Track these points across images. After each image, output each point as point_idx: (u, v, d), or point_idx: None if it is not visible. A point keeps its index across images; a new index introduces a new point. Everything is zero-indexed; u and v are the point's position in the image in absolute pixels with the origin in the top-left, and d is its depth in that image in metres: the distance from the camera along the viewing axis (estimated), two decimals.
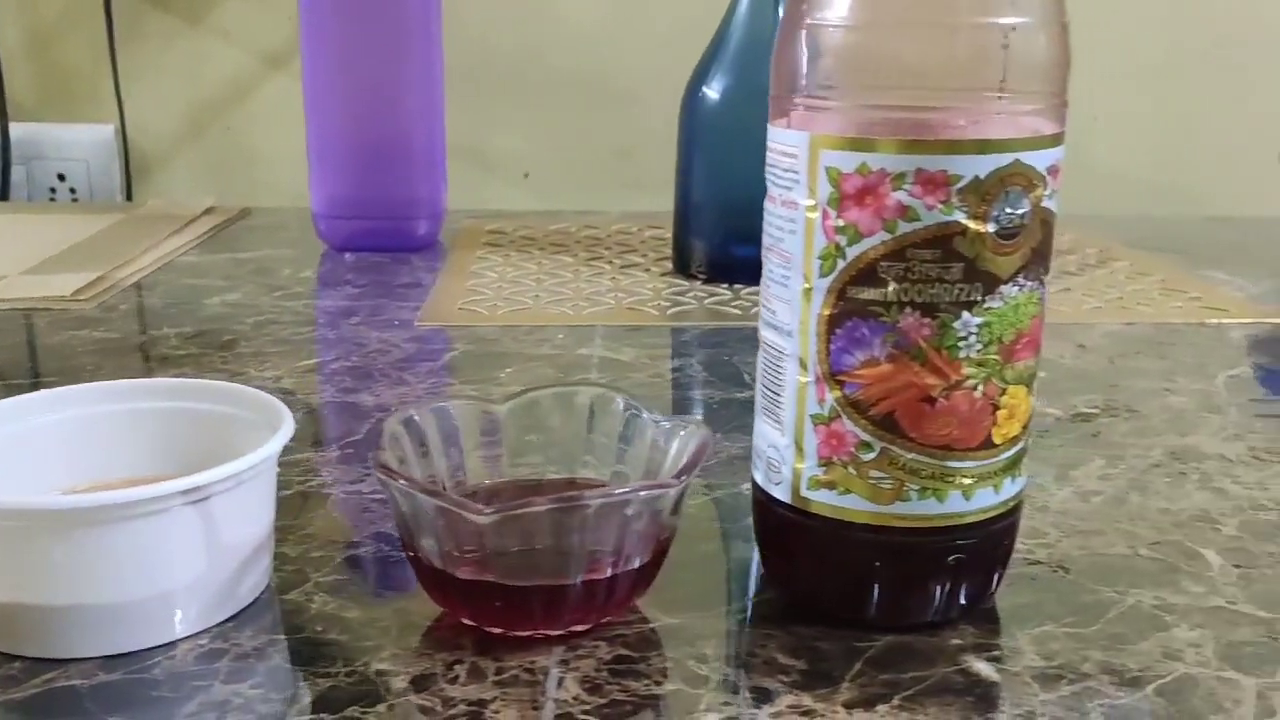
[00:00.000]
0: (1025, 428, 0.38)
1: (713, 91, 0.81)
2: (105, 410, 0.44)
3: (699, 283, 0.83)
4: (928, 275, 0.35)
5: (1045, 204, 0.36)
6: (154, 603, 0.37)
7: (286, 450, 0.40)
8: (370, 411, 0.58)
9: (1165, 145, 1.24)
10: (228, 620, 0.39)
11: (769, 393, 0.39)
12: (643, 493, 0.36)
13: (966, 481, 0.37)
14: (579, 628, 0.38)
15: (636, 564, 0.37)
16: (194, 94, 1.23)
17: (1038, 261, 0.36)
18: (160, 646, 0.37)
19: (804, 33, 0.36)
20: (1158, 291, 0.82)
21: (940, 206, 0.34)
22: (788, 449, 0.38)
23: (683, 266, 0.86)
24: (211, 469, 0.36)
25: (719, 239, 0.84)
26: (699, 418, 0.41)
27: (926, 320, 0.35)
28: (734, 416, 0.56)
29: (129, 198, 1.24)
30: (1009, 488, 0.38)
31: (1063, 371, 0.65)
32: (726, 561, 0.44)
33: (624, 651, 0.37)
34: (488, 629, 0.38)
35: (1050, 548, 0.44)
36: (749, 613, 0.40)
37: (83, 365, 0.64)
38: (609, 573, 0.37)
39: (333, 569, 0.42)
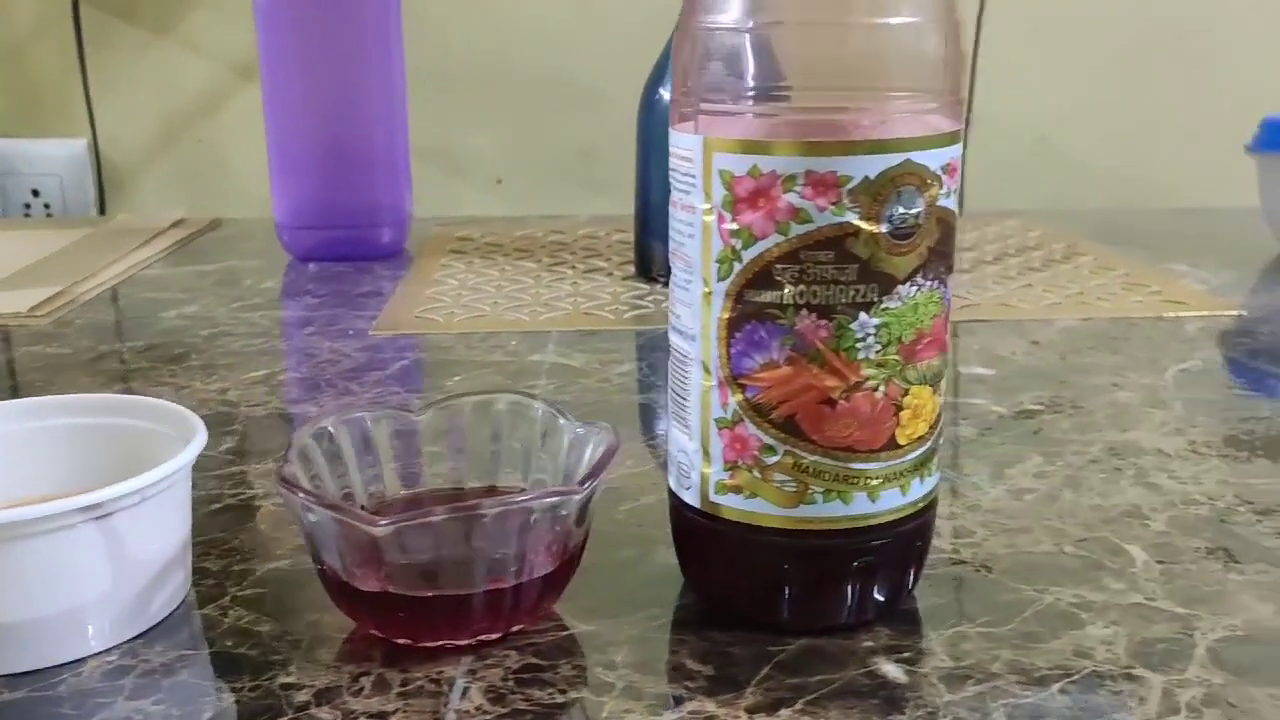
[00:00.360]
0: (933, 428, 0.38)
1: (667, 94, 0.81)
2: (21, 428, 0.44)
3: (660, 285, 0.83)
4: (823, 277, 0.35)
5: (942, 203, 0.36)
6: (60, 620, 0.37)
7: (220, 463, 0.40)
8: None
9: (1132, 138, 1.23)
10: (140, 635, 0.39)
11: (677, 397, 0.39)
12: (545, 499, 0.36)
13: (873, 482, 0.37)
14: (488, 636, 0.38)
15: (543, 572, 0.37)
16: (165, 106, 1.24)
17: (937, 261, 0.36)
18: (70, 663, 0.37)
19: (695, 36, 0.36)
20: (1119, 286, 0.82)
21: (832, 208, 0.34)
22: (696, 454, 0.38)
23: (644, 270, 0.85)
24: (114, 485, 0.36)
25: None
26: (607, 423, 0.40)
27: (824, 322, 0.35)
28: None
29: (102, 211, 1.25)
30: (918, 488, 0.38)
31: (1013, 368, 0.65)
32: (650, 566, 0.44)
33: (533, 660, 0.37)
34: (396, 640, 0.38)
35: (976, 547, 0.44)
36: (668, 618, 0.40)
37: (31, 382, 0.64)
38: (513, 581, 0.36)
39: (252, 582, 0.42)
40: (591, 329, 0.73)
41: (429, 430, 0.43)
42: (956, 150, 0.36)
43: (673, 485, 0.40)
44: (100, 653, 0.38)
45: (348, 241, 0.92)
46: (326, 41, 0.88)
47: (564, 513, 0.37)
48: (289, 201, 0.91)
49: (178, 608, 0.40)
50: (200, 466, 0.41)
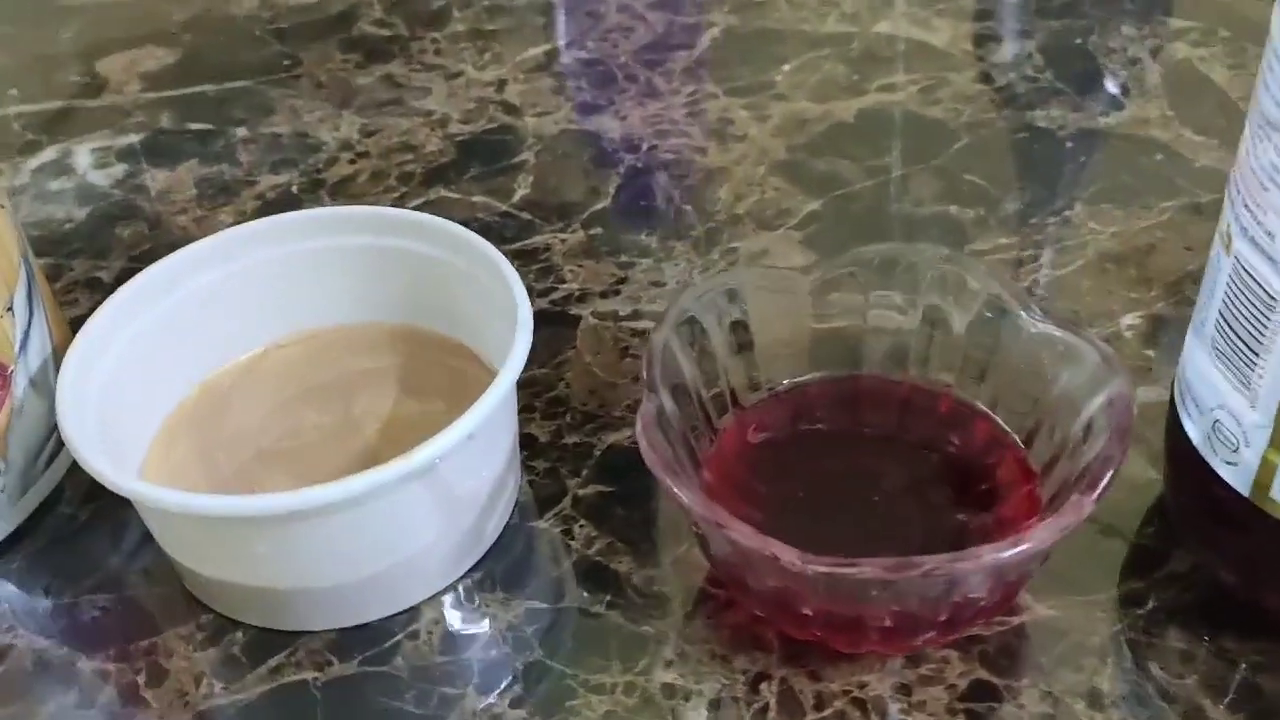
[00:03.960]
0: None
1: None
2: (302, 248, 0.34)
3: None
4: None
5: None
6: (383, 577, 0.29)
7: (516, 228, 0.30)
8: (614, 148, 0.46)
9: None
10: (475, 567, 0.31)
11: (1234, 337, 0.26)
12: (1014, 550, 0.25)
13: None
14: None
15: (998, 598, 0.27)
16: None
17: None
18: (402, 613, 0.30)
19: None
20: None
21: None
22: (1258, 429, 0.26)
23: None
24: (442, 435, 0.27)
25: None
26: (1104, 347, 0.28)
27: None
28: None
29: None
30: None
31: None
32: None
33: (983, 675, 0.28)
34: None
35: None
36: (1148, 606, 0.29)
37: (267, 45, 0.54)
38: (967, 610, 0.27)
39: (593, 470, 0.33)
40: None
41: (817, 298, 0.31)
42: None
43: (1194, 438, 0.28)
44: (430, 598, 0.31)
45: None
46: None
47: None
48: None
49: (511, 518, 0.32)
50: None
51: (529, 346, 0.29)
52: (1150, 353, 0.35)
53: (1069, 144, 0.44)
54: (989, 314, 0.30)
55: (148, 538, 0.31)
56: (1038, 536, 0.24)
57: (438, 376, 0.34)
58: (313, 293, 0.35)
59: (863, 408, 0.31)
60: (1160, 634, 0.29)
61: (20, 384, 0.32)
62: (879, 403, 0.31)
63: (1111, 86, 0.47)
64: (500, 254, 0.32)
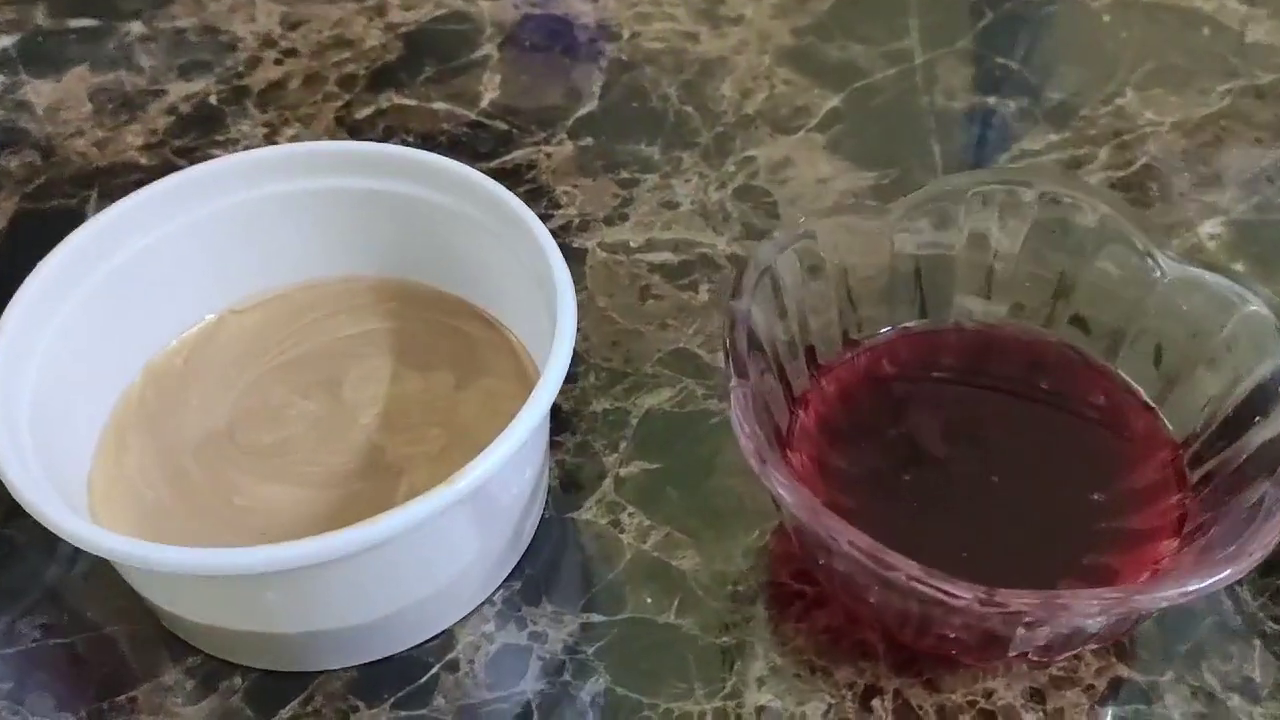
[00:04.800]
0: None
1: None
2: (296, 188, 0.28)
3: None
4: None
5: None
6: (415, 608, 0.24)
7: None
8: (590, 37, 0.39)
9: None
10: (513, 573, 0.26)
11: None
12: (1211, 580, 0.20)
13: None
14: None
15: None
16: None
17: None
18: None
19: None
20: None
21: None
22: None
23: None
24: (484, 459, 0.22)
25: None
26: (1274, 300, 0.24)
27: None
28: None
29: None
30: None
31: None
32: None
33: (1122, 671, 0.25)
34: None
35: None
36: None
37: None
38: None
39: (632, 447, 0.28)
40: None
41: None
42: None
43: None
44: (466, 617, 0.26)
45: None
46: None
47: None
48: None
49: (545, 511, 0.27)
50: None
51: (574, 331, 0.24)
52: (1239, 265, 0.32)
53: (1105, 17, 0.39)
54: (1111, 253, 0.25)
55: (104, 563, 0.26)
56: (1247, 557, 0.20)
57: (439, 341, 0.28)
58: (271, 246, 0.29)
59: (960, 362, 0.27)
60: None
61: None
62: (978, 355, 0.27)
63: None
64: (525, 206, 0.26)
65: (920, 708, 0.24)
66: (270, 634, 0.24)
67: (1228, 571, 0.19)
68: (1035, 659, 0.23)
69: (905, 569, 0.19)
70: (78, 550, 0.26)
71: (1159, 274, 0.25)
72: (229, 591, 0.22)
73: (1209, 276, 0.24)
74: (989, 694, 0.24)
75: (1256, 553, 0.19)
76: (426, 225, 0.28)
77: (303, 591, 0.22)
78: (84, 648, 0.26)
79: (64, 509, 0.21)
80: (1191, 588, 0.19)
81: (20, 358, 0.24)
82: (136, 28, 0.41)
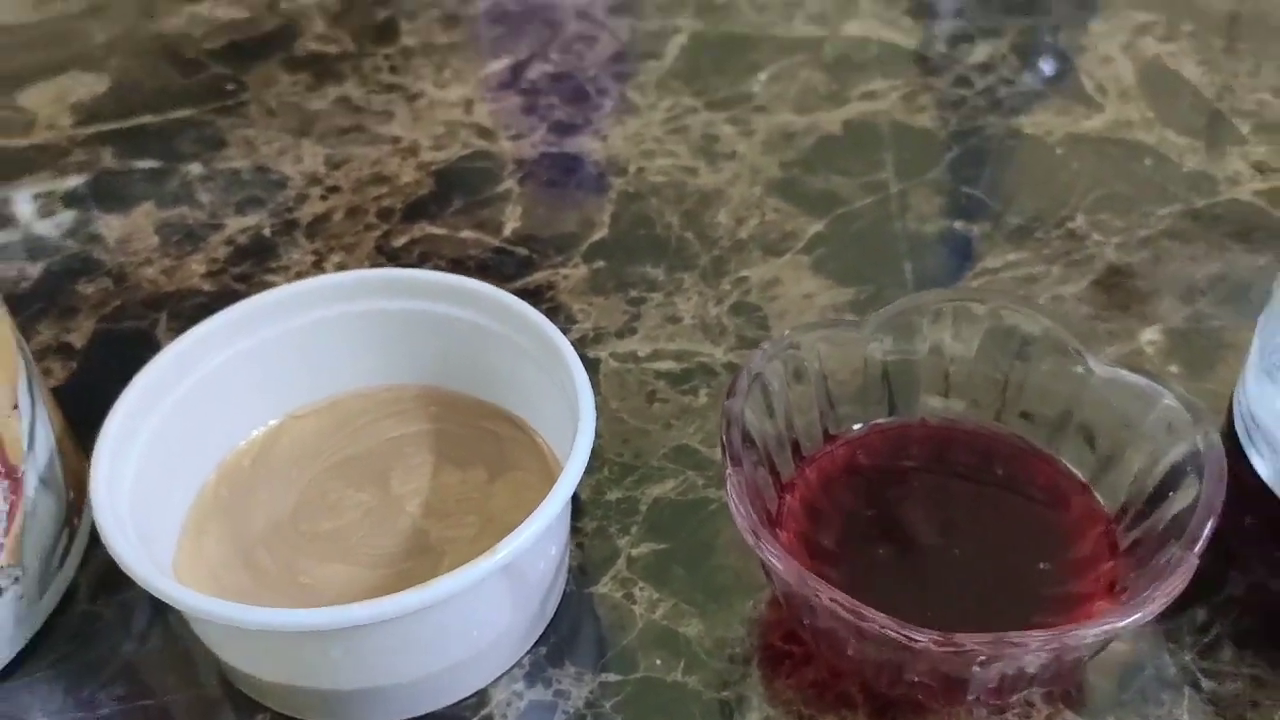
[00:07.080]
0: None
1: None
2: (323, 316, 0.32)
3: None
4: None
5: None
6: (457, 668, 0.28)
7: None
8: (600, 171, 0.44)
9: None
10: (538, 642, 0.30)
11: None
12: (1134, 617, 0.24)
13: None
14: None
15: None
16: None
17: None
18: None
19: None
20: None
21: None
22: None
23: None
24: (517, 536, 0.26)
25: None
26: (1183, 393, 0.28)
27: None
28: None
29: None
30: None
31: None
32: None
33: (1070, 717, 0.28)
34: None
35: None
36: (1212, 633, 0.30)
37: (205, 68, 0.51)
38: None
39: (645, 525, 0.32)
40: None
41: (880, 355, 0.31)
42: None
43: (1268, 479, 0.28)
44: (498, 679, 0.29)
45: None
46: None
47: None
48: None
49: (567, 585, 0.31)
50: None
51: (594, 432, 0.28)
52: (1174, 369, 0.36)
53: (1059, 150, 0.44)
54: (1051, 358, 0.30)
55: (172, 629, 0.29)
56: (1152, 603, 0.24)
57: (474, 441, 0.33)
58: (325, 361, 0.33)
59: (925, 452, 0.31)
60: (1225, 659, 0.29)
61: (31, 483, 0.30)
62: (940, 446, 0.31)
63: (1046, 67, 0.48)
64: (551, 325, 0.30)
65: None
66: (333, 690, 0.27)
67: (1138, 614, 0.23)
68: (992, 702, 0.27)
69: (876, 619, 0.23)
70: (150, 626, 0.30)
71: (1092, 375, 0.29)
72: (299, 650, 0.26)
73: (1131, 376, 0.28)
74: None
75: (1159, 599, 0.23)
76: (462, 341, 0.32)
77: (362, 649, 0.26)
78: (157, 714, 0.29)
79: (171, 580, 0.25)
80: (1107, 626, 0.23)
81: (120, 458, 0.29)
82: (196, 168, 0.46)
